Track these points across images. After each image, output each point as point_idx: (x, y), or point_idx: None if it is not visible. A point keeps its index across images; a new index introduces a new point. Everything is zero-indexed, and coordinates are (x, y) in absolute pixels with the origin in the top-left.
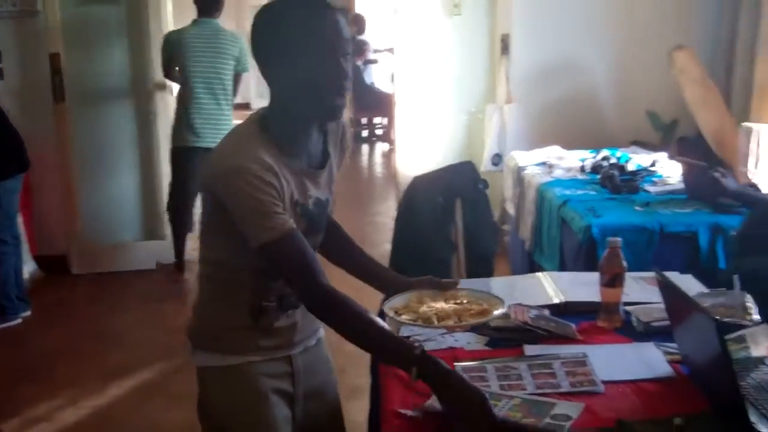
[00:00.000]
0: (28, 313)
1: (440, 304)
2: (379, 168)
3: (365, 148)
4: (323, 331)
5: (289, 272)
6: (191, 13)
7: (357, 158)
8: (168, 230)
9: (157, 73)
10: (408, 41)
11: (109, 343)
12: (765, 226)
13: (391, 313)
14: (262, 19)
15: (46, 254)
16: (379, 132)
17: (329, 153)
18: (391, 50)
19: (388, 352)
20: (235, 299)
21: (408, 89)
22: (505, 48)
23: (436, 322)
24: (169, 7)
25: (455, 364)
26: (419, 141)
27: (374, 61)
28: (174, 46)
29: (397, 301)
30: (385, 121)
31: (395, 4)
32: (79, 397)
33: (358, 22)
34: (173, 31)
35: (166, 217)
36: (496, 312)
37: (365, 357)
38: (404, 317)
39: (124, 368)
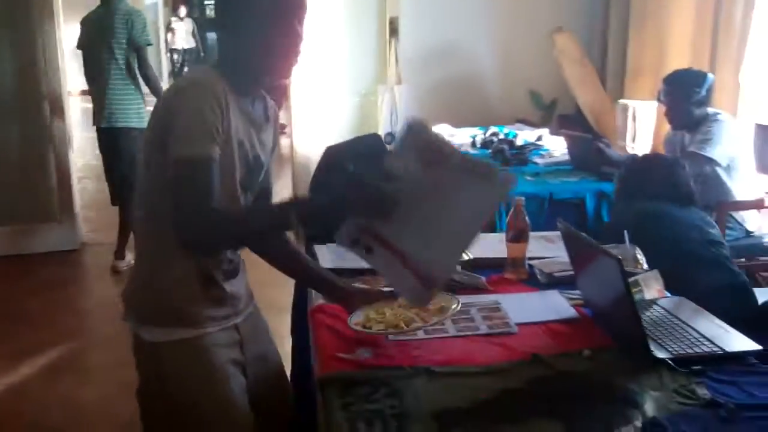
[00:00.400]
0: None
1: (400, 311)
2: None
3: None
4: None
5: (185, 195)
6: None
7: None
8: (62, 213)
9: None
10: None
11: (15, 324)
12: (634, 179)
13: (359, 328)
14: None
15: None
16: None
17: (270, 119)
18: None
19: (272, 224)
20: (183, 271)
21: (301, 72)
22: (393, 31)
23: (405, 327)
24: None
25: None
26: (314, 122)
27: None
28: (81, 31)
29: (358, 316)
30: None
31: None
32: None
33: None
34: (83, 17)
35: (57, 200)
36: (454, 306)
37: (281, 325)
38: (375, 329)
39: (33, 348)
